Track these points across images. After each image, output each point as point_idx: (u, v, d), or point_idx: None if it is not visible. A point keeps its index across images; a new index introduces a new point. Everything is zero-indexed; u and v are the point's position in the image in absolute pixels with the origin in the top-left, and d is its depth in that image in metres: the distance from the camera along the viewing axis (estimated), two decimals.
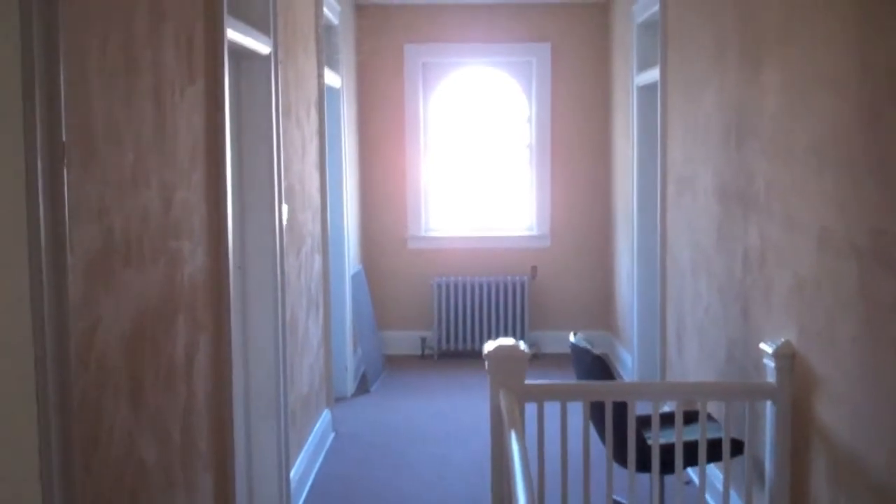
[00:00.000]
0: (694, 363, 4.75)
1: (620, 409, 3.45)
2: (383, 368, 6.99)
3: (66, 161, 1.92)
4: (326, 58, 5.52)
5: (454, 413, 5.98)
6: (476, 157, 7.69)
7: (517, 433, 2.68)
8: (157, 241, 2.54)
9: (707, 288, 4.45)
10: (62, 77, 1.90)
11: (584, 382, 3.76)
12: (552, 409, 3.38)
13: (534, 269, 7.53)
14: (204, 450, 2.93)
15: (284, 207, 4.12)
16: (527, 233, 7.66)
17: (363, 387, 6.58)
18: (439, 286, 7.39)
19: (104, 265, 2.18)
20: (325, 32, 5.42)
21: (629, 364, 6.49)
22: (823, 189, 3.02)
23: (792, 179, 3.31)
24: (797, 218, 3.25)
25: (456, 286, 7.40)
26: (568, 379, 6.09)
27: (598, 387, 3.54)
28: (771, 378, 3.31)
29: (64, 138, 1.92)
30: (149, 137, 2.48)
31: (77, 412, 2.00)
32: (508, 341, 3.34)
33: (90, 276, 2.10)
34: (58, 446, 1.92)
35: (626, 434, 3.41)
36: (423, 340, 7.51)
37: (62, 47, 1.90)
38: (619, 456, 3.51)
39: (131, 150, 2.35)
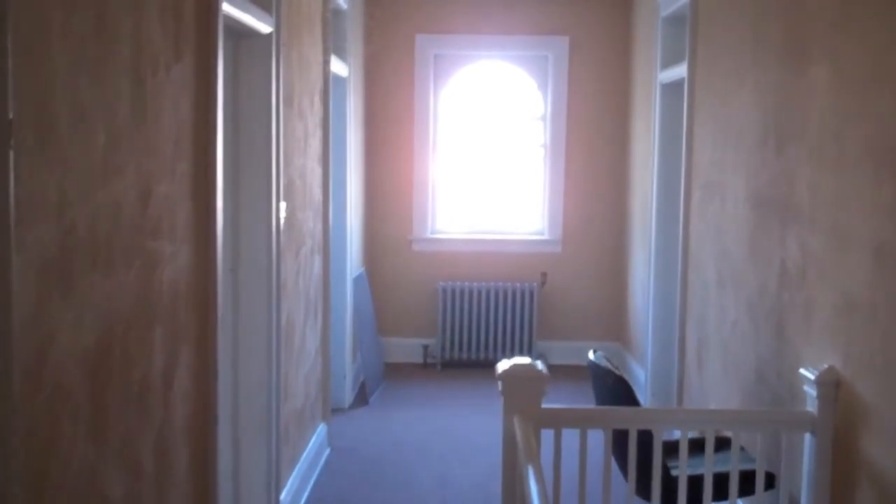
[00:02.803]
0: (716, 383, 4.45)
1: (643, 437, 3.15)
2: (383, 378, 6.66)
3: (12, 142, 1.60)
4: (333, 45, 5.21)
5: (457, 428, 5.69)
6: (487, 156, 7.37)
7: (535, 470, 2.36)
8: (131, 240, 2.21)
9: (735, 302, 4.15)
10: (9, 41, 1.57)
11: (606, 408, 3.45)
12: (567, 430, 3.09)
13: (544, 275, 7.19)
14: (182, 479, 2.60)
15: (283, 204, 3.81)
16: (537, 237, 7.34)
17: (361, 397, 6.26)
18: (444, 291, 7.06)
19: (63, 269, 1.85)
20: (333, 17, 5.10)
21: (642, 380, 6.16)
22: (881, 200, 2.75)
23: (842, 188, 3.03)
24: (848, 231, 2.97)
25: (461, 292, 7.08)
26: (579, 394, 5.81)
27: (623, 413, 3.23)
28: (811, 407, 3.04)
29: (11, 115, 1.59)
30: (124, 120, 2.15)
31: (23, 443, 1.68)
32: (524, 360, 3.03)
33: (44, 281, 1.77)
34: None
35: (647, 464, 3.11)
36: (426, 349, 7.18)
37: (11, 3, 1.57)
38: (640, 489, 3.21)
39: (102, 133, 2.02)
